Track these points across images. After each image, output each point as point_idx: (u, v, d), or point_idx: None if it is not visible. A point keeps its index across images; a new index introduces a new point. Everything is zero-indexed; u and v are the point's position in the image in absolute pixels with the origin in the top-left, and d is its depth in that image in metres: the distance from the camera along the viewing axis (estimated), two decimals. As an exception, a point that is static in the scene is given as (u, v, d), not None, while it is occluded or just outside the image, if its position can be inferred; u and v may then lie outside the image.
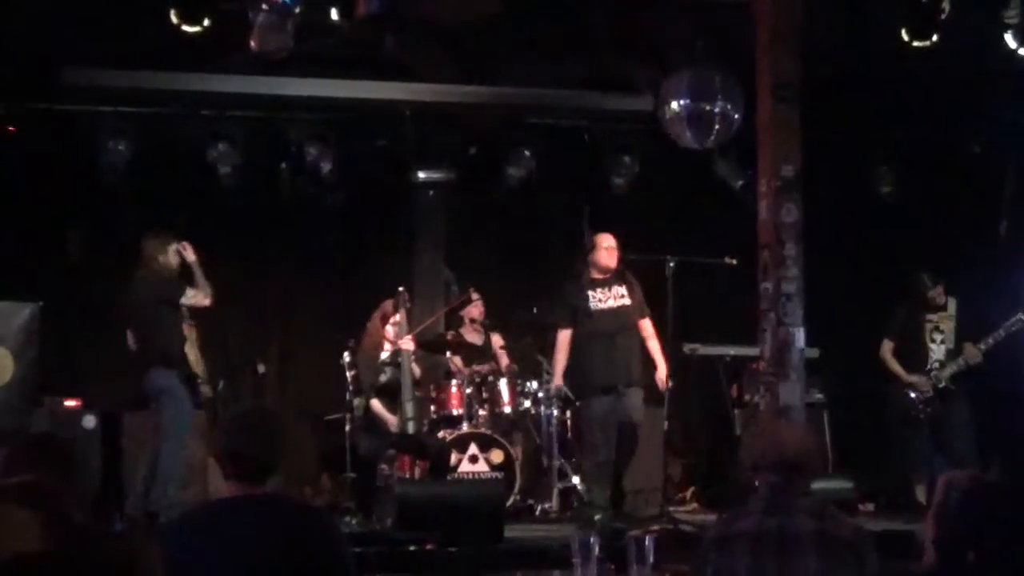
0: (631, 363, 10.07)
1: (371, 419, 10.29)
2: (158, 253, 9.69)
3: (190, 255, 9.74)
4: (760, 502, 4.78)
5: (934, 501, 6.24)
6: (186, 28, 8.64)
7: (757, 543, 4.66)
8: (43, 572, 2.31)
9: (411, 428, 10.08)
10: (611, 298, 10.19)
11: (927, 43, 9.10)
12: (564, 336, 10.25)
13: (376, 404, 10.34)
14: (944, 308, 10.61)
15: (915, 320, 10.61)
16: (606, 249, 10.21)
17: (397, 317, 10.38)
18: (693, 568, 4.86)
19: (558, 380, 10.45)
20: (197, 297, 9.73)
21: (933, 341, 10.57)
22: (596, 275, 10.23)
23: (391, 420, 10.21)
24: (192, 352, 10.40)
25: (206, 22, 8.63)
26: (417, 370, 10.58)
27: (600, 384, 9.97)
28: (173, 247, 9.73)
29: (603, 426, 9.92)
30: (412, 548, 7.96)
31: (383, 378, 10.41)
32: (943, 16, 8.99)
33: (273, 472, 4.38)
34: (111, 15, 9.95)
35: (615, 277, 10.22)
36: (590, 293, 10.18)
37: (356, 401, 10.57)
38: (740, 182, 12.06)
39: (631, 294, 10.19)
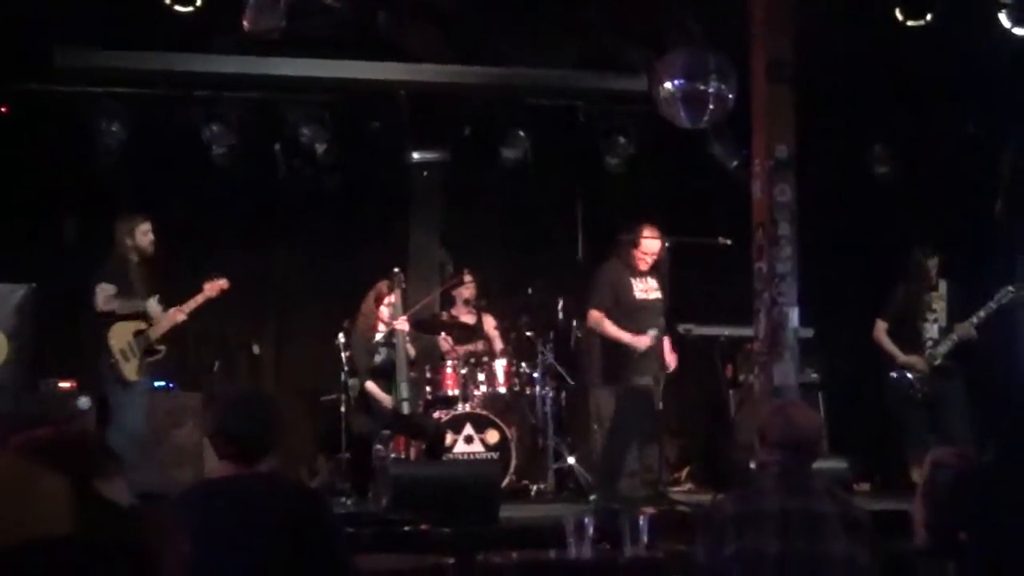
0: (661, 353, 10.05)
1: (366, 400, 10.28)
2: (125, 236, 9.69)
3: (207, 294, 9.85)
4: (775, 480, 4.79)
5: (921, 480, 6.25)
6: (179, 8, 8.63)
7: (785, 522, 4.67)
8: (73, 560, 2.29)
9: (406, 408, 10.07)
10: (649, 290, 10.16)
11: (921, 22, 9.08)
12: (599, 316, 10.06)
13: (371, 385, 10.31)
14: (936, 288, 10.61)
15: (913, 299, 10.60)
16: (649, 240, 10.07)
17: (392, 298, 10.36)
18: (706, 547, 4.85)
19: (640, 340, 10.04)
20: (131, 307, 9.67)
21: (927, 320, 10.57)
22: (639, 265, 10.15)
23: (386, 400, 10.18)
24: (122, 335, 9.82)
25: (198, 2, 8.62)
26: (412, 351, 10.58)
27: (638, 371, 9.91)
28: (142, 228, 9.72)
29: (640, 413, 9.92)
30: (407, 528, 7.98)
31: (378, 359, 10.40)
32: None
33: (267, 452, 4.39)
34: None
35: (652, 269, 10.18)
36: (632, 282, 10.12)
37: (351, 382, 10.55)
38: (735, 162, 12.04)
39: (661, 287, 10.17)
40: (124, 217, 9.79)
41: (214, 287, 9.85)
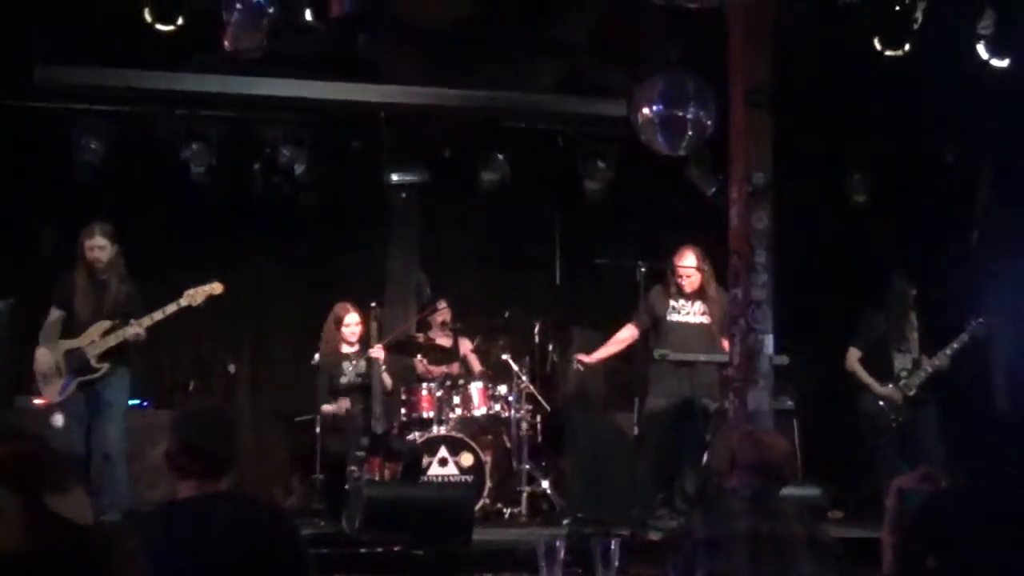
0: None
1: (336, 421, 10.38)
2: (80, 247, 9.44)
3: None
4: (746, 504, 4.80)
5: (887, 506, 6.25)
6: (160, 27, 8.60)
7: (755, 546, 4.68)
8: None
9: (379, 428, 10.17)
10: (691, 313, 10.43)
11: (900, 52, 9.11)
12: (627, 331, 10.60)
13: (326, 407, 10.44)
14: (909, 318, 10.66)
15: (891, 328, 10.64)
16: (681, 268, 10.43)
17: (348, 319, 10.49)
18: (676, 571, 4.86)
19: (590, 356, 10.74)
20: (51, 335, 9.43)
21: (900, 350, 10.61)
22: (677, 289, 10.44)
23: (341, 411, 10.47)
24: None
25: (179, 21, 8.59)
26: (389, 381, 10.67)
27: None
28: (88, 243, 9.38)
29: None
30: (380, 550, 7.96)
31: (344, 380, 10.48)
32: (916, 25, 9.01)
33: (231, 468, 4.37)
34: (85, 13, 9.92)
35: (698, 293, 10.43)
36: (671, 303, 10.43)
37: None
38: (712, 188, 12.08)
39: (711, 312, 10.41)
40: (85, 231, 9.49)
41: (199, 293, 9.60)
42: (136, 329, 9.35)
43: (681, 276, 10.35)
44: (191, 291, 9.59)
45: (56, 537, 2.24)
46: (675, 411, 10.17)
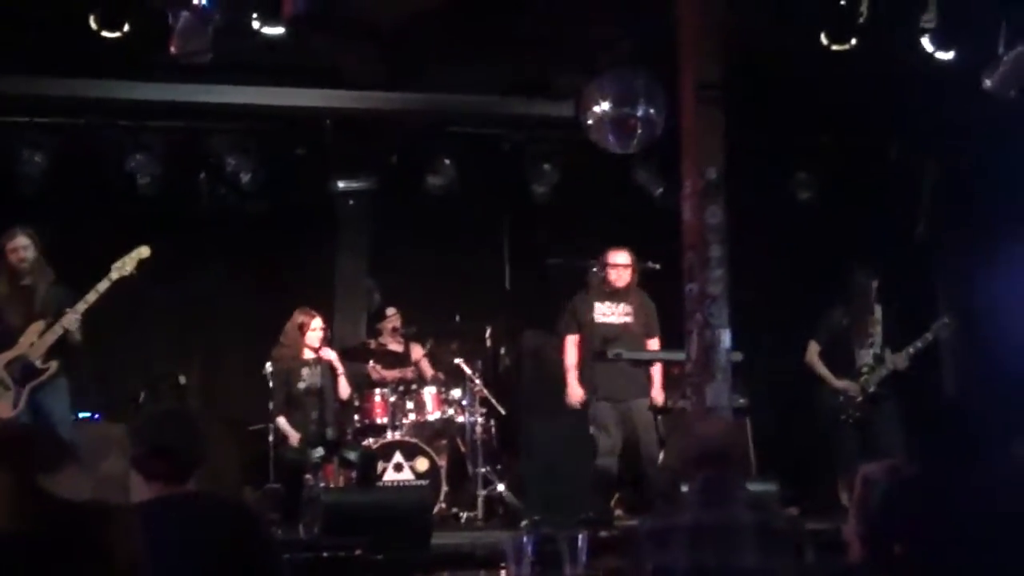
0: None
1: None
2: (5, 253, 9.08)
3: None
4: (697, 495, 4.80)
5: (854, 496, 6.27)
6: (106, 34, 8.50)
7: (696, 537, 4.68)
8: (14, 556, 2.22)
9: (330, 434, 10.27)
10: (615, 314, 10.38)
11: (846, 46, 9.16)
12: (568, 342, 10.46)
13: (282, 421, 10.37)
14: (873, 312, 10.69)
15: (853, 323, 10.66)
16: (611, 266, 10.34)
17: (313, 324, 10.44)
18: (630, 564, 4.86)
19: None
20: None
21: (862, 346, 10.63)
22: (606, 289, 10.40)
23: (294, 438, 10.28)
24: None
25: (126, 27, 8.49)
26: (347, 390, 10.63)
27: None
28: (11, 244, 9.03)
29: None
30: (340, 555, 7.91)
31: (302, 385, 10.41)
32: (862, 19, 9.06)
33: (197, 468, 4.33)
34: (26, 21, 9.80)
35: (624, 294, 10.39)
36: (596, 305, 10.35)
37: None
38: (659, 189, 12.12)
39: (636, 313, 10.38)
40: (3, 234, 9.15)
41: (128, 261, 9.27)
42: (74, 315, 8.98)
43: (612, 273, 10.30)
44: (117, 263, 9.28)
45: (49, 515, 2.21)
46: (625, 411, 10.16)
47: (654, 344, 10.40)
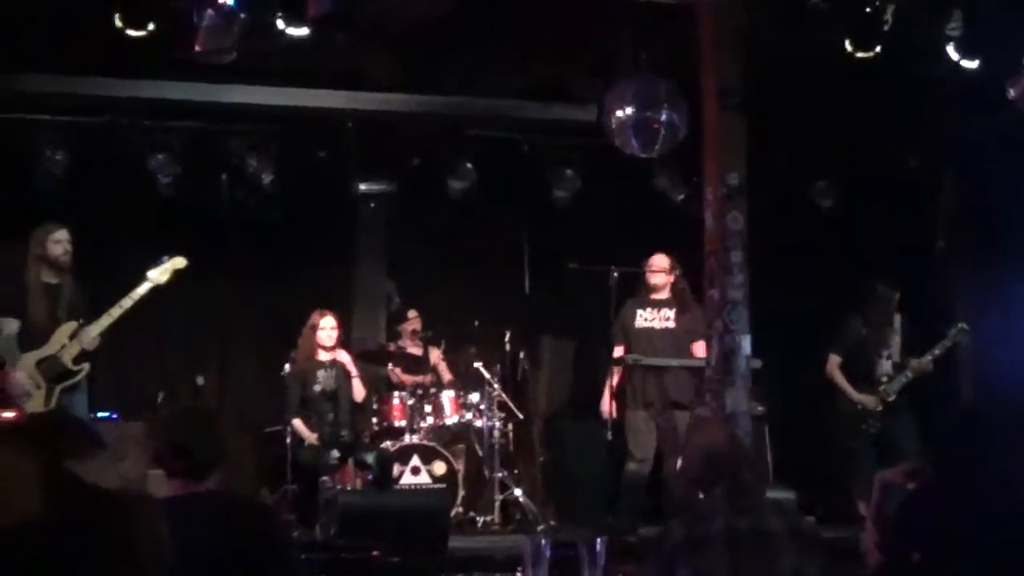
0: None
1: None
2: (37, 246, 9.17)
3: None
4: (722, 503, 4.77)
5: (871, 502, 6.24)
6: (131, 32, 8.48)
7: (733, 543, 4.65)
8: (44, 541, 2.21)
9: (345, 436, 10.38)
10: (657, 319, 10.49)
11: (870, 54, 9.11)
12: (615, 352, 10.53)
13: (298, 423, 10.41)
14: (892, 323, 10.67)
15: (872, 334, 10.64)
16: (649, 271, 10.51)
17: (323, 323, 10.42)
18: (655, 573, 4.83)
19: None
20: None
21: (881, 356, 10.61)
22: (647, 295, 10.56)
23: (311, 438, 10.34)
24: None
25: (150, 26, 8.48)
26: (361, 392, 10.63)
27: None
28: (55, 235, 9.15)
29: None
30: (356, 556, 7.91)
31: (317, 388, 10.42)
32: (886, 27, 9.01)
33: (217, 466, 4.32)
34: (49, 19, 9.80)
35: (666, 299, 10.53)
36: (638, 311, 10.48)
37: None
38: (680, 195, 12.10)
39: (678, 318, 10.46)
40: (41, 227, 9.24)
41: (162, 272, 9.33)
42: (96, 329, 9.06)
43: (651, 279, 10.37)
44: (152, 271, 9.31)
45: (76, 502, 2.20)
46: (651, 418, 10.18)
47: (699, 348, 10.33)
